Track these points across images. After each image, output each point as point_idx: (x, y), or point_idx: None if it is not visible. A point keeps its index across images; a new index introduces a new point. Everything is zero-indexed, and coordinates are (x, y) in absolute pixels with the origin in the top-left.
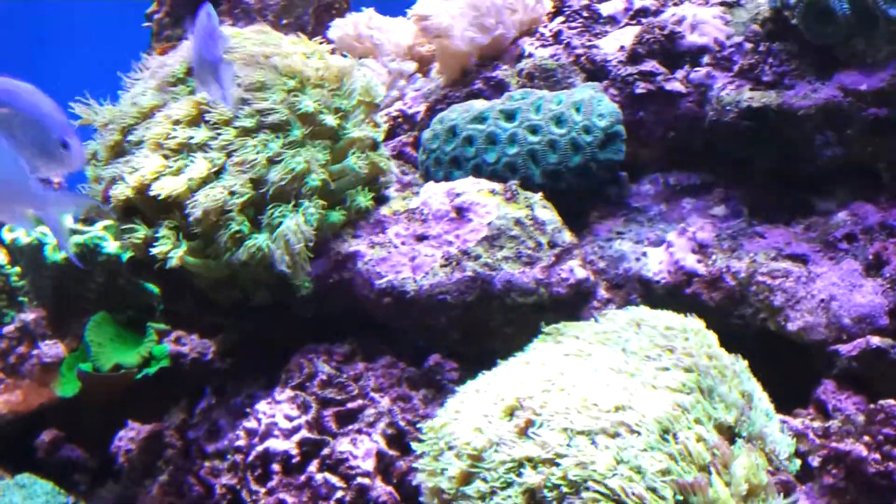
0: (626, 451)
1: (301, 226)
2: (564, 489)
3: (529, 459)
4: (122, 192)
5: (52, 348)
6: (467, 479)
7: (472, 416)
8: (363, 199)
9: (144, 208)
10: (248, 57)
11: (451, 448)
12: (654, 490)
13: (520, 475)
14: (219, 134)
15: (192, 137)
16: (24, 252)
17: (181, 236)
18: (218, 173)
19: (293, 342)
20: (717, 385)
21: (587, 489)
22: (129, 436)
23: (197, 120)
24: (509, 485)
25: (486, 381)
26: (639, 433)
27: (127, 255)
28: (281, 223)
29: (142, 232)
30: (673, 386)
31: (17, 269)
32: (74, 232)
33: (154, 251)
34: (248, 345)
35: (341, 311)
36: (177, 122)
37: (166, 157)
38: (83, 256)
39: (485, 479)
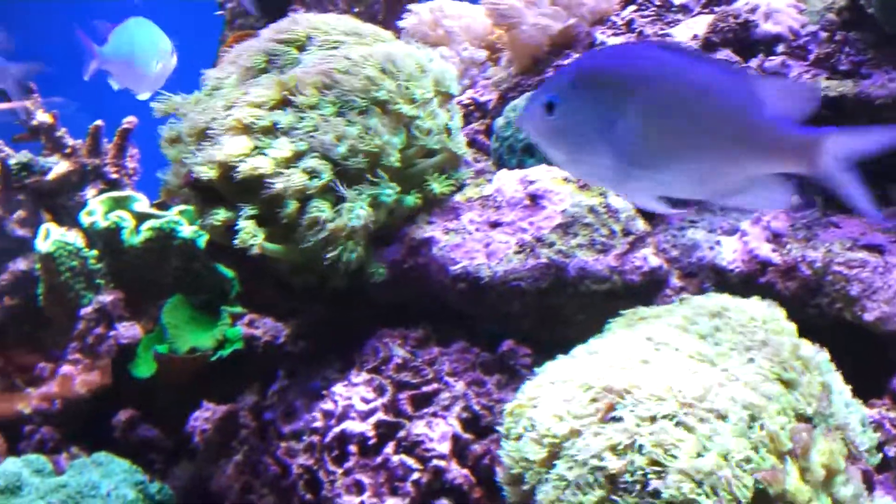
0: (711, 437)
1: (370, 209)
2: (648, 474)
3: (612, 445)
4: (205, 173)
5: (129, 329)
6: (548, 465)
7: (552, 401)
8: (438, 185)
9: (225, 192)
10: (331, 44)
11: (531, 434)
12: (738, 477)
13: (602, 461)
14: (302, 118)
15: (277, 122)
16: (101, 235)
17: (260, 222)
18: (300, 156)
19: (366, 327)
20: (799, 376)
21: (671, 473)
22: (205, 416)
23: (281, 105)
24: (591, 471)
25: (565, 366)
26: (724, 420)
27: (204, 239)
28: (355, 206)
29: (223, 214)
30: (757, 375)
31: (95, 252)
32: (150, 216)
33: (236, 241)
34: (321, 329)
35: (415, 297)
36: (260, 107)
37: (253, 139)
38: (159, 240)
39: (566, 466)
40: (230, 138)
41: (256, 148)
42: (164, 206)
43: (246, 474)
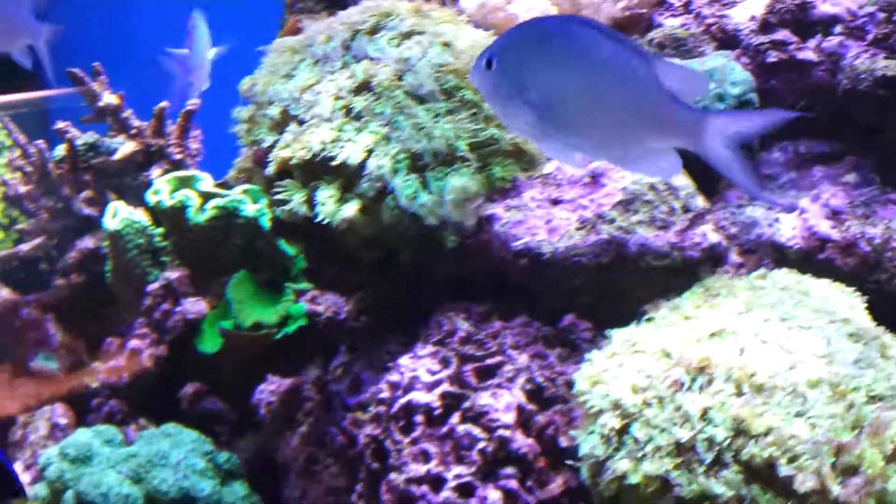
0: (787, 409)
1: (463, 185)
2: (723, 443)
3: (686, 414)
4: (283, 155)
5: (195, 305)
6: (621, 435)
7: (624, 371)
8: (500, 170)
9: (297, 172)
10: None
11: (603, 404)
12: (814, 447)
13: (675, 430)
14: (379, 104)
15: (354, 108)
16: (167, 214)
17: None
18: (380, 141)
19: (429, 303)
20: (875, 355)
21: (746, 443)
22: (270, 389)
23: (357, 91)
24: (665, 439)
25: (636, 335)
26: (800, 393)
27: (267, 218)
28: (440, 184)
29: (300, 195)
30: (834, 352)
31: (160, 230)
32: (214, 195)
33: (320, 215)
34: (383, 304)
35: (477, 272)
36: (338, 93)
37: (333, 124)
38: (223, 219)
39: (639, 435)
40: (312, 124)
41: (338, 133)
42: (226, 187)
43: (311, 445)
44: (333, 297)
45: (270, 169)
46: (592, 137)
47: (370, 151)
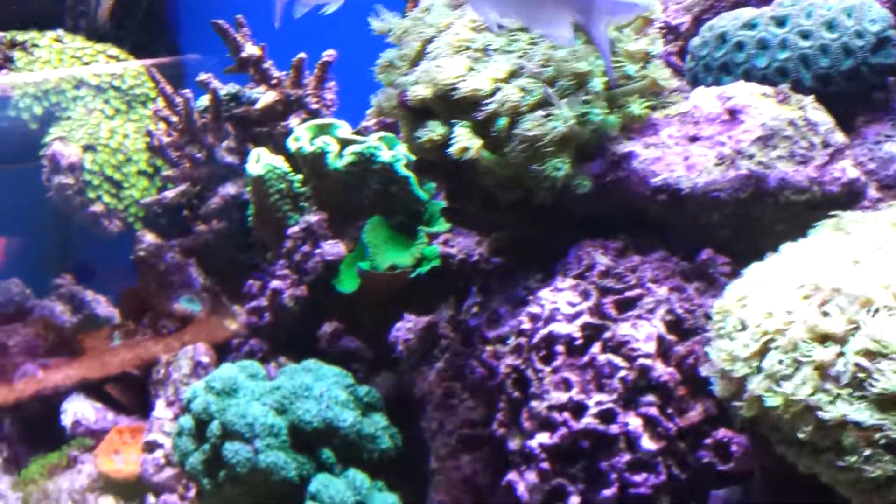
0: None
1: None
2: (860, 365)
3: (824, 337)
4: (420, 93)
5: (333, 247)
6: (759, 358)
7: (761, 298)
8: (637, 107)
9: (438, 110)
10: None
11: (742, 329)
12: None
13: (814, 352)
14: (513, 41)
15: (490, 45)
16: (307, 160)
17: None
18: (513, 76)
19: (563, 241)
20: None
21: (884, 365)
22: (408, 326)
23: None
24: (803, 362)
25: (772, 266)
26: None
27: (401, 164)
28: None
29: (440, 129)
30: None
31: (300, 176)
32: (352, 141)
33: (452, 148)
34: (516, 244)
35: (614, 210)
36: (474, 31)
37: (468, 60)
38: (360, 164)
39: (778, 358)
40: (448, 60)
41: (472, 69)
42: (361, 134)
43: (448, 379)
44: (466, 239)
45: (410, 105)
46: (518, 7)
47: (497, 85)
